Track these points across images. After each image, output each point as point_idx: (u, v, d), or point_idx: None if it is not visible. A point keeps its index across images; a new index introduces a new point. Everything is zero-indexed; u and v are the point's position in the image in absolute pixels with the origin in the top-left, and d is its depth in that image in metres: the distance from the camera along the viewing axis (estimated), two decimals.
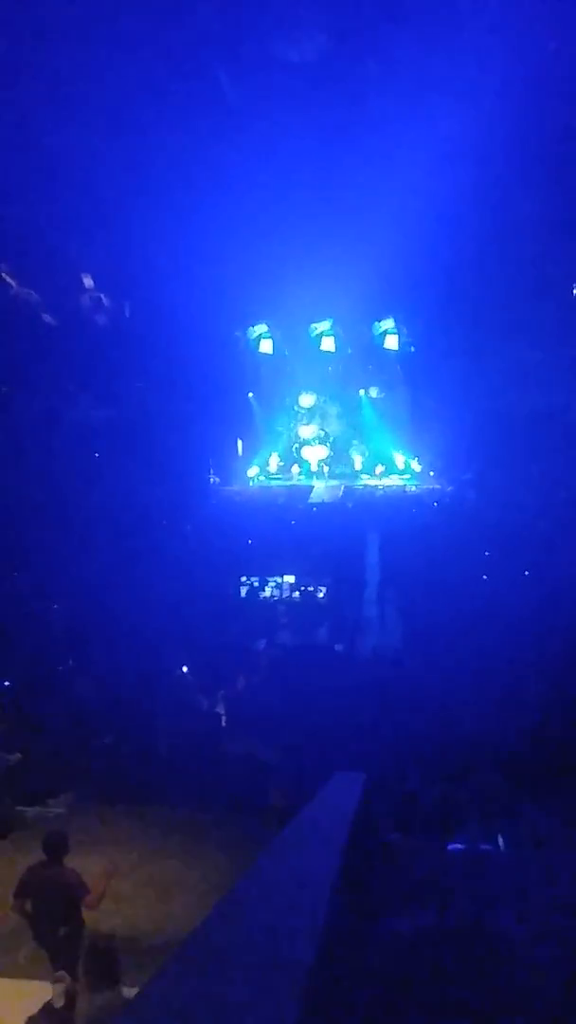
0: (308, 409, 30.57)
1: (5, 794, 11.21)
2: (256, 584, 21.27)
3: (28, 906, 6.88)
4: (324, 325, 28.97)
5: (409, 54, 19.93)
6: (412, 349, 28.80)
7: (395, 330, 28.78)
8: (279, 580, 21.34)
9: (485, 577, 19.82)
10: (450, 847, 6.38)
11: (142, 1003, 3.06)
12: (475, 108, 19.55)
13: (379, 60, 20.56)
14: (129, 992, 6.32)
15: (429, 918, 4.75)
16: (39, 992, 6.75)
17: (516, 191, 22.51)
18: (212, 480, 28.63)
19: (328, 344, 29.17)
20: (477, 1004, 4.06)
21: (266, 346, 29.34)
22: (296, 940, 3.59)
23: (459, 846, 6.37)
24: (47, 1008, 6.68)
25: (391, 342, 28.88)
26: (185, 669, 15.58)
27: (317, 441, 30.20)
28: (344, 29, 20.09)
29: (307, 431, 30.38)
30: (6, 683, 13.50)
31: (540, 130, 20.78)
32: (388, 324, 28.78)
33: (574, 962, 4.26)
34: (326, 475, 29.43)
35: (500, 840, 6.41)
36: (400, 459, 29.51)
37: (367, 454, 29.91)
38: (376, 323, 28.93)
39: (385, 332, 28.85)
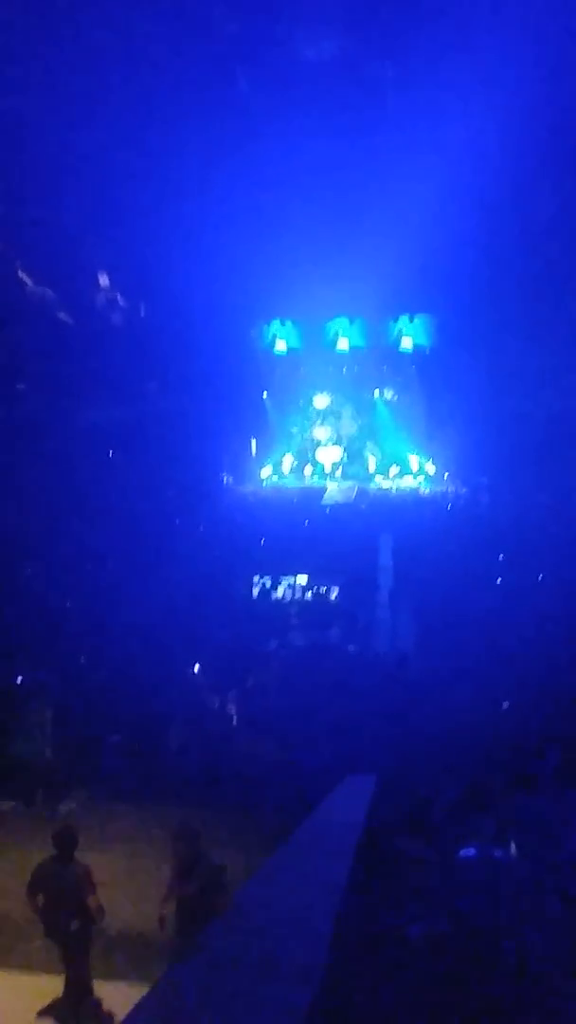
0: (322, 410, 30.62)
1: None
2: (268, 584, 21.24)
3: (40, 900, 6.93)
4: (339, 326, 29.00)
5: (429, 52, 19.90)
6: (427, 351, 28.75)
7: (411, 331, 28.77)
8: (291, 580, 21.31)
9: (499, 580, 19.73)
10: (462, 853, 6.35)
11: (152, 1000, 3.07)
12: (496, 107, 19.52)
13: (398, 58, 20.54)
14: (139, 989, 6.33)
15: (440, 924, 4.73)
16: (50, 986, 6.81)
17: (535, 192, 22.48)
18: (225, 480, 28.67)
19: (343, 345, 29.19)
20: (484, 1009, 4.05)
21: (281, 346, 29.40)
22: (306, 942, 3.59)
23: (471, 852, 6.34)
24: (57, 1002, 6.74)
25: (406, 343, 28.87)
26: (197, 668, 15.60)
27: (331, 442, 30.23)
28: (363, 27, 20.07)
29: (321, 432, 30.42)
30: (19, 679, 13.55)
31: (563, 130, 20.73)
32: (404, 325, 28.77)
33: None
34: (340, 476, 29.44)
35: (512, 846, 6.38)
36: (414, 461, 29.49)
37: (381, 456, 29.90)
38: (392, 324, 28.93)
39: (400, 333, 28.83)
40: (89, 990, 6.89)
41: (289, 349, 29.58)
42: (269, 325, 29.32)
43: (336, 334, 29.06)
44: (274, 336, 29.35)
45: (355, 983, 3.88)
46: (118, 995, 6.66)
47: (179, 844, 7.01)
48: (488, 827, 6.81)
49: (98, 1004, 6.84)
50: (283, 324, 29.27)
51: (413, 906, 5.10)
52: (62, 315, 23.34)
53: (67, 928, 6.79)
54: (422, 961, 4.43)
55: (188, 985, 3.08)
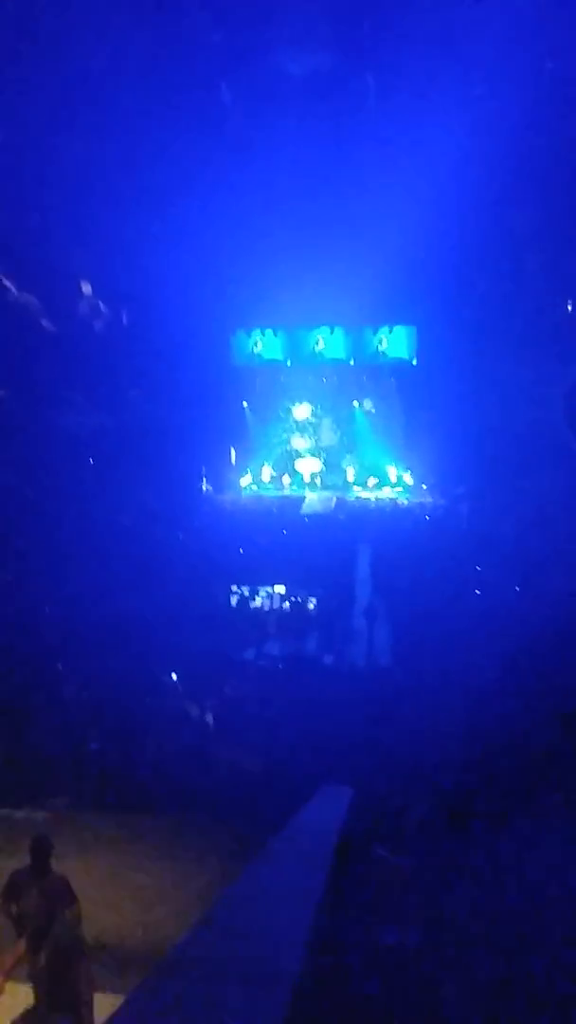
0: (302, 420, 30.68)
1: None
2: (247, 593, 21.28)
3: (14, 909, 6.88)
4: (319, 336, 29.14)
5: (411, 66, 20.12)
6: (410, 362, 28.92)
7: (390, 342, 28.96)
8: (269, 590, 21.34)
9: (477, 592, 19.86)
10: (434, 862, 6.42)
11: (126, 1011, 3.10)
12: (478, 121, 19.74)
13: (380, 72, 20.73)
14: (113, 1000, 6.33)
15: (415, 934, 4.79)
16: (21, 994, 6.76)
17: (512, 207, 22.72)
18: (205, 488, 28.66)
19: (324, 355, 29.34)
20: (460, 1018, 4.10)
21: (261, 356, 29.49)
22: (281, 952, 3.64)
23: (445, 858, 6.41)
24: (30, 1012, 6.69)
25: (386, 355, 29.05)
26: (174, 677, 15.60)
27: (310, 452, 30.30)
28: (346, 41, 20.23)
29: (300, 442, 30.48)
30: None
31: (544, 144, 20.98)
32: (384, 336, 28.95)
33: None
34: (319, 486, 29.49)
35: (487, 854, 6.45)
36: (393, 472, 29.61)
37: (360, 466, 29.99)
38: (372, 335, 29.08)
39: (380, 344, 29.01)
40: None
41: (270, 359, 29.67)
42: (250, 334, 29.39)
43: (317, 344, 29.20)
44: (255, 345, 29.43)
45: (331, 992, 3.93)
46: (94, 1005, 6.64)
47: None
48: (462, 836, 6.89)
49: (72, 1015, 6.80)
50: (264, 334, 29.36)
51: (388, 914, 5.15)
52: (45, 322, 23.32)
53: (41, 938, 6.73)
54: (397, 969, 4.49)
55: (164, 995, 3.12)
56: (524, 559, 20.44)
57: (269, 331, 29.35)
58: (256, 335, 29.34)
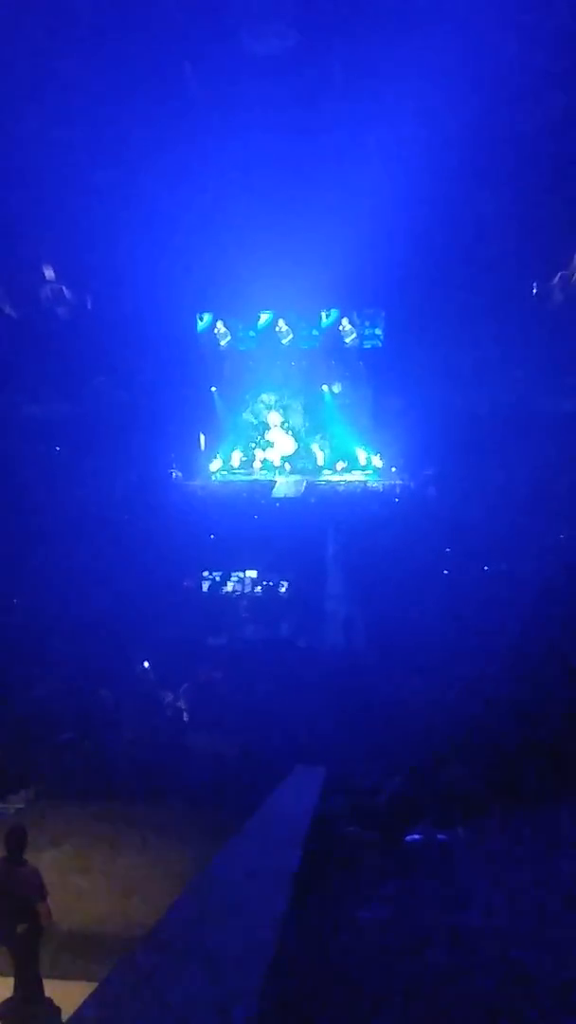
0: (271, 404, 30.62)
1: None
2: (218, 579, 21.26)
3: None
4: (285, 321, 29.04)
5: (374, 51, 20.02)
6: (380, 344, 28.90)
7: (358, 326, 28.94)
8: (241, 575, 21.34)
9: (446, 572, 19.99)
10: (408, 838, 6.47)
11: (102, 994, 3.08)
12: (444, 105, 19.71)
13: (343, 56, 20.61)
14: (90, 988, 6.31)
15: (386, 908, 4.82)
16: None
17: (478, 191, 22.75)
18: (174, 475, 28.53)
19: (292, 339, 29.26)
20: (432, 994, 4.13)
21: (229, 341, 29.35)
22: (256, 931, 3.64)
23: (416, 837, 6.46)
24: (7, 1003, 6.67)
25: (354, 338, 29.04)
26: (147, 664, 15.56)
27: (280, 437, 30.28)
28: (311, 24, 20.07)
29: (270, 427, 30.46)
30: None
31: (506, 129, 21.01)
32: (351, 320, 28.93)
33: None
34: (288, 471, 29.49)
35: (460, 831, 6.51)
36: (362, 455, 29.68)
37: (329, 450, 30.02)
38: (340, 319, 29.05)
39: (348, 328, 28.99)
40: (40, 990, 6.81)
41: (237, 343, 29.55)
42: (217, 319, 29.25)
43: (284, 328, 29.11)
44: (222, 331, 29.28)
45: (307, 969, 3.94)
46: (70, 994, 6.61)
47: None
48: (433, 814, 6.94)
49: (49, 1004, 6.78)
50: (231, 318, 29.23)
51: (362, 891, 5.18)
52: (7, 309, 23.03)
53: (14, 930, 6.68)
54: (372, 945, 4.51)
55: (137, 977, 3.10)
56: (492, 539, 20.60)
57: (237, 317, 29.21)
58: (223, 320, 29.20)
